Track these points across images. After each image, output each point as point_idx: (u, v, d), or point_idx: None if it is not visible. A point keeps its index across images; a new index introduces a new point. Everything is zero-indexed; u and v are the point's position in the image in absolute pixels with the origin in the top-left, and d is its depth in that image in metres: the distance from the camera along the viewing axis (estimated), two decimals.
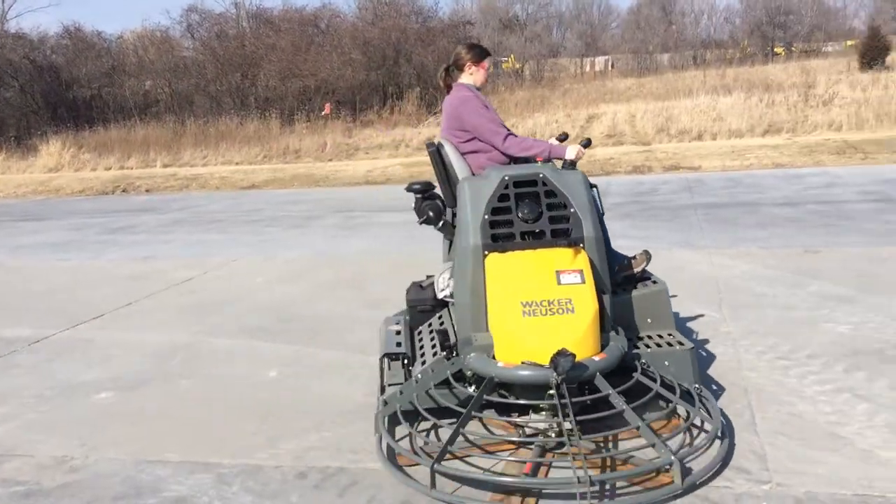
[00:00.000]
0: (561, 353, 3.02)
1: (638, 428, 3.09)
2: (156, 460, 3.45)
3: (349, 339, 5.06)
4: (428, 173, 16.65)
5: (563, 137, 4.18)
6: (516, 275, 3.35)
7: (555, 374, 3.02)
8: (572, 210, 3.45)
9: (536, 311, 3.24)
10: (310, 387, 4.27)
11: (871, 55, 27.44)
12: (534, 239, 3.44)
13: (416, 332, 4.10)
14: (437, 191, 4.24)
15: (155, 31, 29.75)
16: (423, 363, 3.63)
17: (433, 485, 2.97)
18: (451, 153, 3.97)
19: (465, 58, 4.08)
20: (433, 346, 3.71)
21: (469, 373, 3.39)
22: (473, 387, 3.37)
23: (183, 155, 19.51)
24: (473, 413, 3.19)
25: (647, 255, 4.01)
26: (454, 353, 3.47)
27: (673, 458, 2.92)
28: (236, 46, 26.22)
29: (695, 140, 16.22)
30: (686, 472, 2.94)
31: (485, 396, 3.23)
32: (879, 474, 2.96)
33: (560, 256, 3.39)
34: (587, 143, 3.95)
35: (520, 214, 3.44)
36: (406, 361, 3.76)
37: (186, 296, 6.54)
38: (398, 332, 4.09)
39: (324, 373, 4.48)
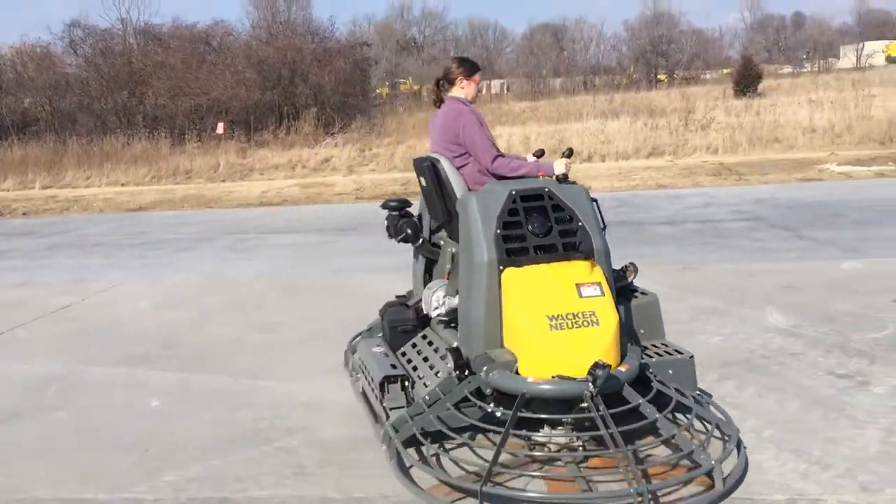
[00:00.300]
0: (598, 365, 3.01)
1: (673, 436, 3.12)
2: (25, 498, 3.25)
3: (237, 364, 4.93)
4: (326, 193, 16.18)
5: (540, 154, 4.14)
6: (538, 289, 3.31)
7: (591, 386, 3.00)
8: (580, 224, 3.47)
9: (563, 324, 3.22)
10: (194, 415, 4.13)
11: (745, 83, 29.38)
12: (544, 253, 3.43)
13: (399, 354, 3.97)
14: (412, 209, 4.21)
15: (35, 47, 28.19)
16: (425, 385, 3.52)
17: None
18: (448, 169, 3.90)
19: (455, 72, 4.04)
20: (432, 367, 3.61)
21: (489, 390, 3.32)
22: (493, 404, 3.30)
23: (64, 176, 18.58)
24: (512, 431, 3.12)
25: (635, 268, 4.01)
26: (466, 371, 3.36)
27: (714, 462, 2.96)
28: (123, 63, 25.23)
29: (585, 162, 16.82)
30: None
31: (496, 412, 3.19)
32: (748, 478, 3.12)
33: (578, 269, 3.39)
34: (569, 154, 3.93)
35: (530, 228, 3.42)
36: (406, 384, 3.64)
37: (63, 323, 6.21)
38: (386, 354, 3.98)
39: (209, 400, 4.34)
